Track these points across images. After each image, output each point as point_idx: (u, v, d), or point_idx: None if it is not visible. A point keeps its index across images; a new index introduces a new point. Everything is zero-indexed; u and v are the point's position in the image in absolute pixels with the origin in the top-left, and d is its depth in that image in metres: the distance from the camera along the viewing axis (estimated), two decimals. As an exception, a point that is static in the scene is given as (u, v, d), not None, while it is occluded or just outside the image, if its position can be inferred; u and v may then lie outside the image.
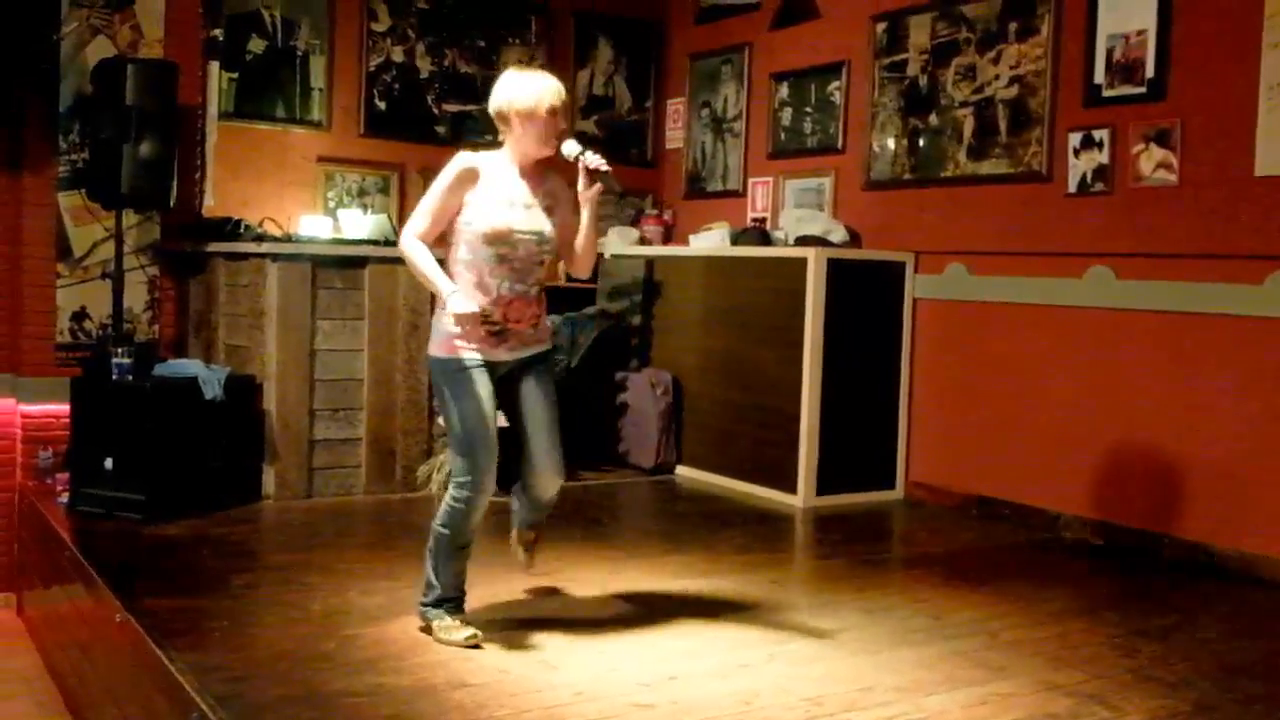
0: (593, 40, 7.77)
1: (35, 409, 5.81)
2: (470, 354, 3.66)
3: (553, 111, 3.65)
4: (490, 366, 3.69)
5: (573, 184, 3.76)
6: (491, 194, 3.67)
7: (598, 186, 3.71)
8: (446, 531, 3.72)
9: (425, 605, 3.77)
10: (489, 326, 3.66)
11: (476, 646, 3.62)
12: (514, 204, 3.68)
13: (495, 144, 3.81)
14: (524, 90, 3.67)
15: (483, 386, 3.66)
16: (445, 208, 3.68)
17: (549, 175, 3.81)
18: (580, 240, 3.78)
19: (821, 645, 3.80)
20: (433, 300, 3.94)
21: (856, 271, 6.13)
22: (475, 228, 3.64)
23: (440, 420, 5.30)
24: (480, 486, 3.65)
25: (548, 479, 3.82)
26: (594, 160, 3.67)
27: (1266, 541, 4.77)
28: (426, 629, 3.74)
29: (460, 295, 3.60)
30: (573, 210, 3.78)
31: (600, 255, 6.40)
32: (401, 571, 4.46)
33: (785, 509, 5.98)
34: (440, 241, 3.75)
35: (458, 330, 3.64)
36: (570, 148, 3.71)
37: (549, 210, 3.74)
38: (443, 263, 3.73)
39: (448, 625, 3.70)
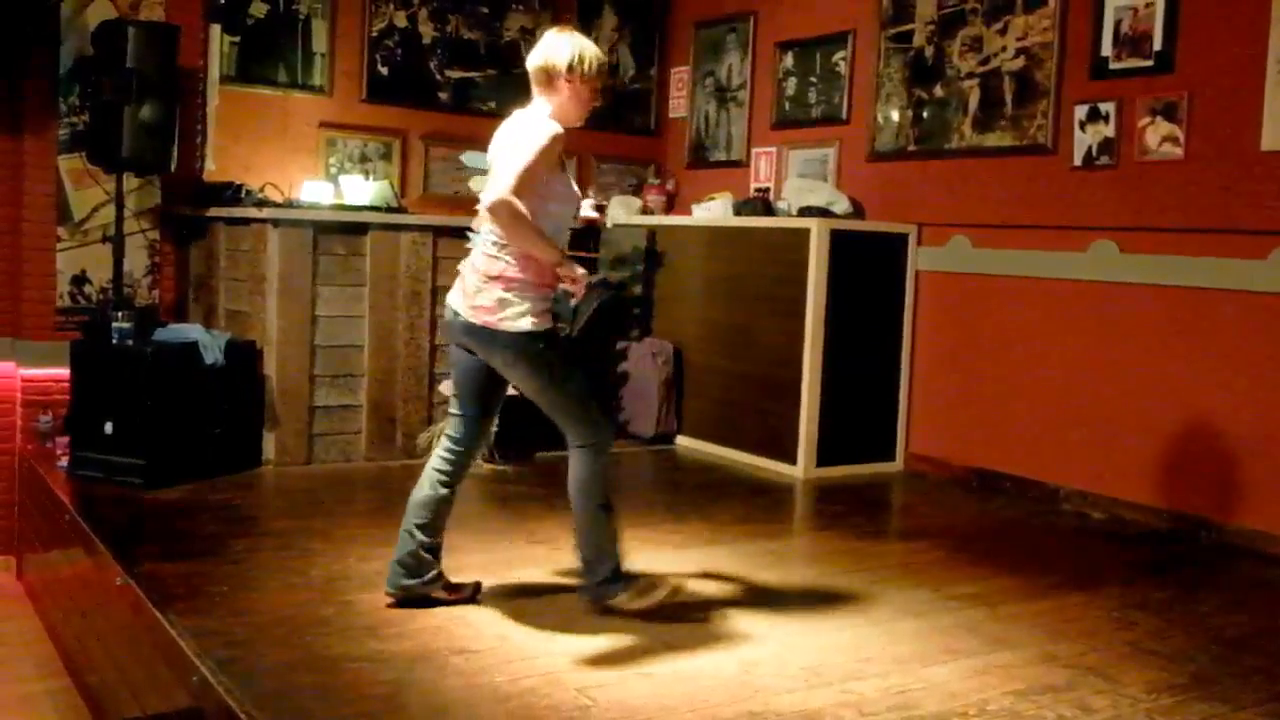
0: (597, 7, 7.70)
1: (35, 373, 5.81)
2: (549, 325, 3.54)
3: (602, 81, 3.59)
4: None
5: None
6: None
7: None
8: (603, 498, 3.61)
9: (604, 583, 3.62)
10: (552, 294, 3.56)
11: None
12: (568, 167, 3.62)
13: (499, 113, 3.73)
14: (588, 53, 3.53)
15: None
16: (543, 182, 3.43)
17: None
18: None
19: (820, 616, 3.81)
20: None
21: (859, 243, 6.11)
22: (566, 199, 3.54)
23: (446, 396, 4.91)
24: (608, 436, 3.63)
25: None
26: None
27: (1267, 517, 4.78)
28: (608, 609, 3.61)
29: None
30: None
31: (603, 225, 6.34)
32: (401, 538, 4.47)
33: (785, 480, 5.99)
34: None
35: (546, 305, 3.50)
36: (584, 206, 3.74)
37: None
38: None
39: (640, 587, 3.63)
